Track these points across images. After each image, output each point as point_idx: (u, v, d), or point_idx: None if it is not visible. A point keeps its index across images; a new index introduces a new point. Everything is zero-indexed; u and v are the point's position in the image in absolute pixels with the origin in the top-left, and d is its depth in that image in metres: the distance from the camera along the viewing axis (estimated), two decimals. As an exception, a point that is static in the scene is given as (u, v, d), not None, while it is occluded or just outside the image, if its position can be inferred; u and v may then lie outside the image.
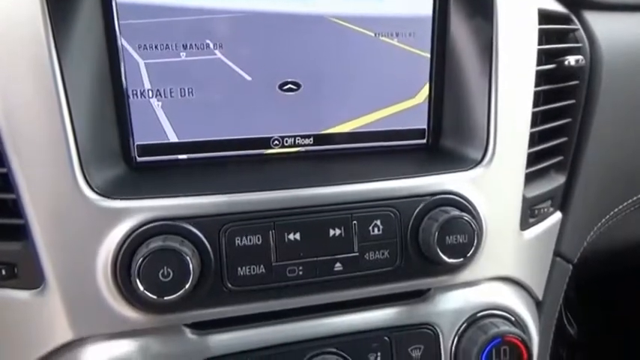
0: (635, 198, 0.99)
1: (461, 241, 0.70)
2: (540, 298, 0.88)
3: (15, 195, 0.62)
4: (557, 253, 0.91)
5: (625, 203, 0.98)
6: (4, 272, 0.64)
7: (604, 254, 1.10)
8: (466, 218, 0.70)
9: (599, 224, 0.97)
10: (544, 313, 0.89)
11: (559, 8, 0.87)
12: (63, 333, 0.64)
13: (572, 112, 0.87)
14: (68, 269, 0.63)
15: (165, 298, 0.60)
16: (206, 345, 0.69)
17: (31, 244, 0.63)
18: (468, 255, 0.70)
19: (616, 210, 0.98)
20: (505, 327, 0.75)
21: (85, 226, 0.62)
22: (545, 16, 0.82)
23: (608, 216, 0.98)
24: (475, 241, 0.70)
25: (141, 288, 0.60)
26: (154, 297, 0.60)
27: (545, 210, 0.86)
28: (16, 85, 0.60)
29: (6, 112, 0.60)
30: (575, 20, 0.89)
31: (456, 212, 0.70)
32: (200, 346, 0.69)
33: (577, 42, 0.88)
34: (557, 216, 0.89)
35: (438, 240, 0.69)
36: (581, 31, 0.89)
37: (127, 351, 0.66)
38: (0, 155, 0.61)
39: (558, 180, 0.89)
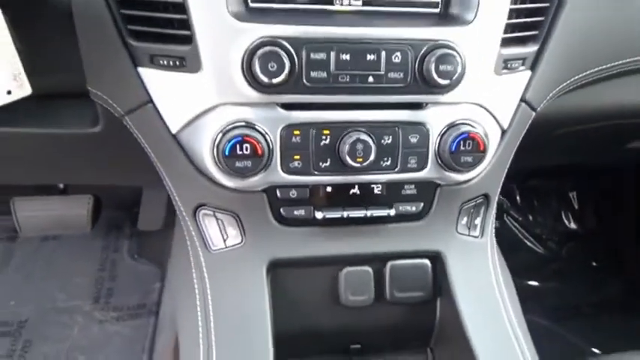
0: (589, 71, 1.37)
1: (450, 69, 1.12)
2: (505, 127, 1.31)
3: (186, 16, 1.08)
4: (523, 99, 1.30)
5: (581, 74, 1.37)
6: (177, 62, 1.12)
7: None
8: (454, 55, 1.11)
9: (562, 85, 1.37)
10: (505, 139, 1.31)
11: None
12: (210, 99, 1.12)
13: None
14: (217, 63, 1.09)
15: (271, 79, 1.07)
16: (288, 116, 1.15)
17: (194, 46, 1.09)
18: (454, 78, 1.12)
19: (575, 78, 1.37)
20: (472, 128, 1.20)
21: (227, 37, 1.08)
22: None
23: (569, 81, 1.37)
24: (459, 70, 1.12)
25: (258, 73, 1.06)
26: (265, 79, 1.06)
27: (517, 66, 1.26)
28: None
29: None
30: None
31: (448, 51, 1.12)
32: (285, 116, 1.15)
33: None
34: (527, 73, 1.29)
35: (435, 67, 1.11)
36: None
37: (244, 112, 1.13)
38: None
39: (532, 48, 1.28)
